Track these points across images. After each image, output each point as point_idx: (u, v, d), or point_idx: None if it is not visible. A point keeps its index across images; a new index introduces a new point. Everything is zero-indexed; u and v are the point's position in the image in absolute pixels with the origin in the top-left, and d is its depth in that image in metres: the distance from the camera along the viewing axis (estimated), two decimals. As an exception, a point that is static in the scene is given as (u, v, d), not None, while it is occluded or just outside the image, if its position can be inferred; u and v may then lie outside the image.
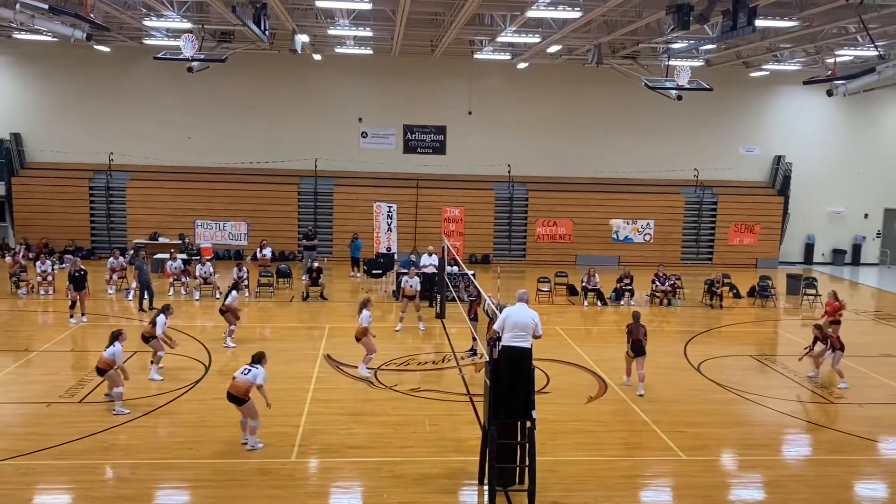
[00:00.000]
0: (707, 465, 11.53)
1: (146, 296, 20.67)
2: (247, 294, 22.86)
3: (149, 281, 20.87)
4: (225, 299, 17.52)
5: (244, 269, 23.16)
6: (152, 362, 14.90)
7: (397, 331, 19.09)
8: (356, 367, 15.51)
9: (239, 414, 11.53)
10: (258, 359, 11.76)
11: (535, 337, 10.18)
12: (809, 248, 33.64)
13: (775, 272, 28.94)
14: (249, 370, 11.55)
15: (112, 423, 12.23)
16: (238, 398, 11.38)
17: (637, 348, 14.49)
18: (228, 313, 17.20)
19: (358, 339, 15.37)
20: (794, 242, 33.47)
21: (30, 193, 29.74)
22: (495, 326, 10.24)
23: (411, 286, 19.36)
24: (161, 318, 14.96)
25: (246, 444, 11.50)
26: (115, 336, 13.17)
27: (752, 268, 31.19)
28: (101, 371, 12.94)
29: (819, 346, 15.92)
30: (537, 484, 9.81)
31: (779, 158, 32.85)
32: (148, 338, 14.85)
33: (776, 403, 14.35)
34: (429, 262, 22.30)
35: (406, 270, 22.72)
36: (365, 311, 15.36)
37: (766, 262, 31.73)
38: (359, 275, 26.68)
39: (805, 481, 11.11)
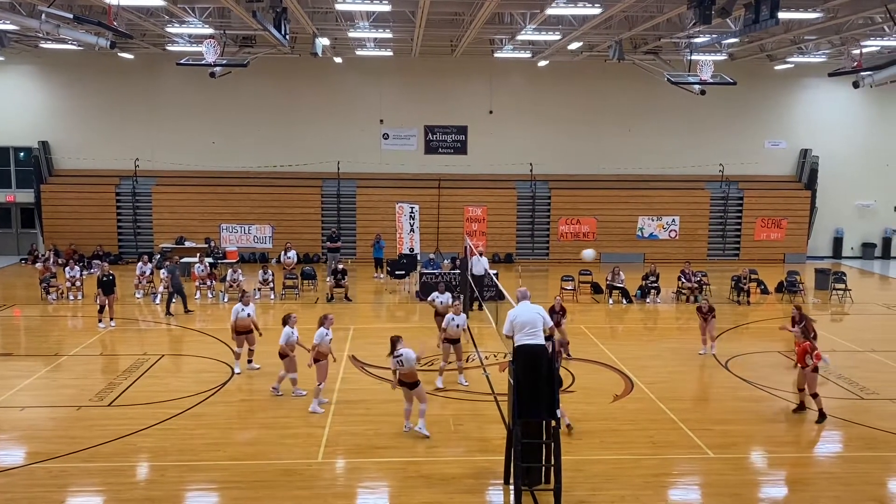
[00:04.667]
0: (736, 463, 11.40)
1: (174, 300, 20.89)
2: (272, 296, 23.03)
3: (180, 285, 21.11)
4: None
5: (269, 271, 23.38)
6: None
7: (439, 387, 14.68)
8: (381, 367, 15.55)
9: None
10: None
11: (545, 329, 10.15)
12: (838, 243, 33.15)
13: (803, 267, 28.54)
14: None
15: (141, 426, 12.36)
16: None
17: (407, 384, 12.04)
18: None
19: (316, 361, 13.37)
20: (823, 237, 33.01)
21: (58, 200, 30.17)
22: (504, 331, 10.21)
23: (458, 325, 14.70)
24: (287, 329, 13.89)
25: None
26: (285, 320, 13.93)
27: (780, 263, 30.81)
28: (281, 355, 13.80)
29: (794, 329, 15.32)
30: (563, 483, 9.76)
31: (805, 152, 32.42)
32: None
33: (806, 400, 14.13)
34: (477, 263, 21.61)
35: (432, 271, 22.72)
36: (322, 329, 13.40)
37: (793, 257, 31.33)
38: (382, 276, 26.75)
39: (837, 478, 10.95)
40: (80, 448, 11.48)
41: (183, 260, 26.13)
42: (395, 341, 12.09)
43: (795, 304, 16.23)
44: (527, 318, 10.04)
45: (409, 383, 12.04)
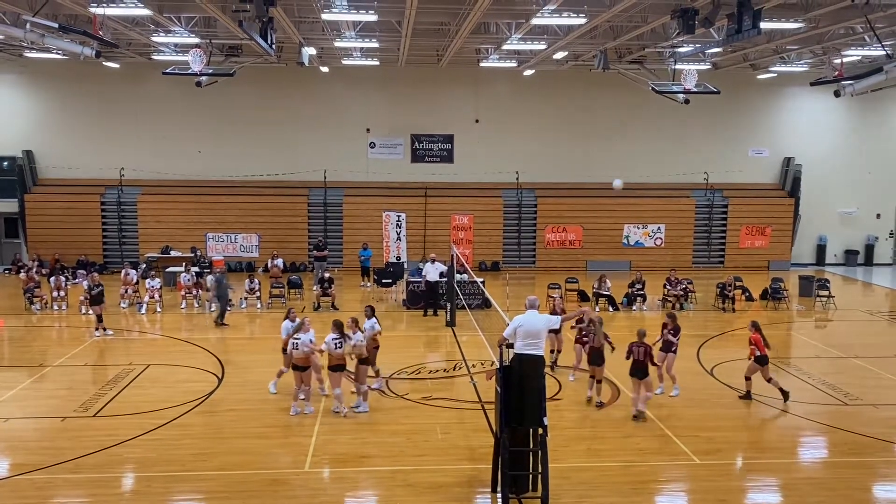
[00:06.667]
0: (721, 469, 11.48)
1: (229, 306, 21.01)
2: (258, 305, 22.96)
3: (227, 295, 20.93)
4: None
5: (256, 280, 23.31)
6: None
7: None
8: (368, 376, 15.53)
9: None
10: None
11: (553, 331, 10.25)
12: (821, 250, 33.44)
13: (787, 274, 28.78)
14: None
15: (126, 437, 12.30)
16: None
17: (638, 371, 13.42)
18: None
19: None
20: (806, 244, 33.28)
21: (42, 210, 29.97)
22: (506, 333, 10.27)
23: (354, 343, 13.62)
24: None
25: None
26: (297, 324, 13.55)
27: (764, 270, 31.03)
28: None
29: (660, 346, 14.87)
30: (550, 491, 9.80)
31: (788, 160, 32.73)
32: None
33: (790, 406, 14.26)
34: (431, 269, 22.22)
35: (418, 279, 22.81)
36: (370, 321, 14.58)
37: (777, 264, 31.56)
38: (369, 284, 26.70)
39: (821, 484, 11.05)
40: (65, 459, 11.40)
41: (168, 270, 26.07)
42: (347, 324, 13.36)
43: (668, 312, 15.90)
44: (531, 328, 10.07)
45: (339, 365, 13.26)
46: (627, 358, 13.56)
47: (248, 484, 10.68)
